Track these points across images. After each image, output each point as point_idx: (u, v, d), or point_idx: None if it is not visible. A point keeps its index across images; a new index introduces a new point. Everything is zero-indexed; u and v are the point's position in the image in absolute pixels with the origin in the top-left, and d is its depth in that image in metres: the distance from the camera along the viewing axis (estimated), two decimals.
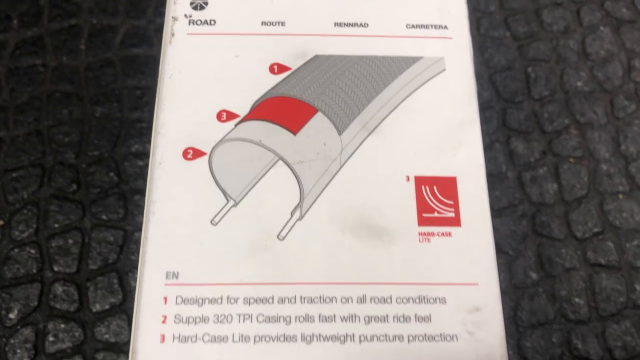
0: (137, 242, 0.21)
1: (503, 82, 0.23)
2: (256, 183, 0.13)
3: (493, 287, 0.13)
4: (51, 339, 0.19)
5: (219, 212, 0.13)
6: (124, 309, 0.20)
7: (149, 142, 0.22)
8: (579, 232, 0.21)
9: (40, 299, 0.20)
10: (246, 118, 0.14)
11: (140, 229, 0.21)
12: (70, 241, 0.21)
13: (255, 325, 0.12)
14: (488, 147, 0.22)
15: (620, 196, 0.22)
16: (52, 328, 0.19)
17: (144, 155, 0.22)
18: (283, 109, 0.14)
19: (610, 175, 0.22)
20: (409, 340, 0.12)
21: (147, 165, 0.21)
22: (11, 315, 0.20)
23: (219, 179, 0.13)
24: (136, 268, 0.20)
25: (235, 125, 0.14)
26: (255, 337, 0.12)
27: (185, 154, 0.14)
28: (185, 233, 0.13)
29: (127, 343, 0.19)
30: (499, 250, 0.21)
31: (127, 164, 0.22)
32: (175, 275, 0.13)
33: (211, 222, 0.13)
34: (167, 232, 0.13)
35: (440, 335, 0.12)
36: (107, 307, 0.20)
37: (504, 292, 0.20)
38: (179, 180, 0.13)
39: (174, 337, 0.12)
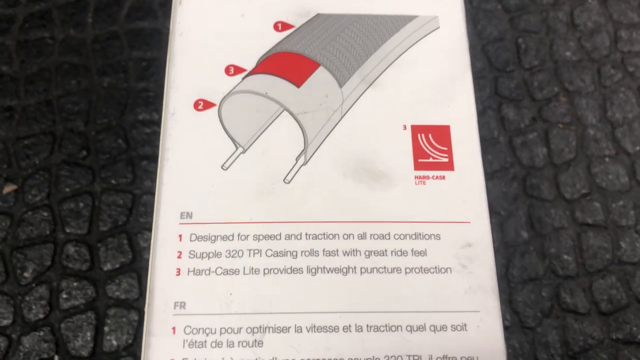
0: (146, 205, 0.21)
1: (495, 52, 0.24)
2: (263, 131, 0.14)
3: (484, 225, 0.14)
4: (64, 296, 0.20)
5: (229, 158, 0.14)
6: (133, 267, 0.21)
7: (155, 110, 0.23)
8: (567, 193, 0.22)
9: (53, 259, 0.21)
10: (253, 72, 0.15)
11: (148, 192, 0.21)
12: (81, 204, 0.21)
13: (264, 259, 0.13)
14: (481, 114, 0.23)
15: (607, 159, 0.23)
16: (65, 286, 0.20)
17: (151, 122, 0.22)
18: (287, 63, 0.15)
19: (597, 139, 0.23)
20: (406, 273, 0.13)
21: (154, 132, 0.22)
22: (26, 274, 0.20)
23: (228, 128, 0.14)
24: (145, 229, 0.21)
25: (243, 79, 0.15)
26: (264, 269, 0.13)
27: (196, 105, 0.15)
28: (198, 177, 0.14)
29: (137, 299, 0.20)
30: (492, 210, 0.22)
31: (135, 131, 0.22)
32: (189, 215, 0.13)
33: (222, 167, 0.14)
34: (181, 176, 0.14)
35: (435, 267, 0.13)
36: (117, 266, 0.21)
37: (496, 250, 0.21)
38: (191, 129, 0.14)
39: (188, 271, 0.13)
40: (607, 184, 0.22)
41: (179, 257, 0.13)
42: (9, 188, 0.21)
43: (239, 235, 0.13)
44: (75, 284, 0.20)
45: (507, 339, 0.20)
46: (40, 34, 0.24)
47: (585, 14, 0.25)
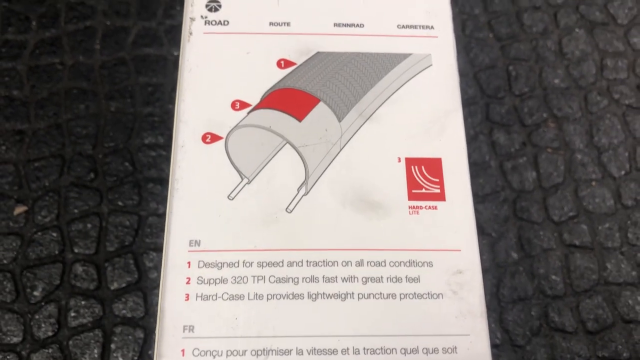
0: (152, 226, 0.22)
1: (487, 79, 0.26)
2: (267, 163, 0.15)
3: (474, 253, 0.15)
4: (73, 314, 0.21)
5: (235, 188, 0.15)
6: (139, 287, 0.21)
7: (161, 134, 0.24)
8: (555, 216, 0.23)
9: (62, 278, 0.21)
10: (257, 107, 0.16)
11: (154, 214, 0.22)
12: (89, 225, 0.22)
13: (267, 285, 0.14)
14: (473, 139, 0.24)
15: (593, 183, 0.24)
16: (74, 304, 0.21)
17: (157, 146, 0.23)
18: (289, 99, 0.16)
19: (584, 164, 0.24)
20: (400, 298, 0.14)
21: (159, 156, 0.23)
22: (36, 293, 0.21)
23: (234, 160, 0.15)
24: (151, 249, 0.22)
25: (248, 113, 0.16)
26: (267, 295, 0.14)
27: (204, 138, 0.15)
28: (206, 206, 0.15)
29: (143, 318, 0.21)
30: (483, 232, 0.23)
31: (141, 154, 0.23)
32: (197, 243, 0.14)
33: (228, 197, 0.15)
34: (190, 206, 0.15)
35: (428, 293, 0.14)
36: (124, 285, 0.21)
37: (487, 271, 0.22)
38: (199, 161, 0.15)
39: (196, 296, 0.14)
40: (594, 206, 0.23)
41: (187, 282, 0.14)
42: (19, 209, 0.22)
43: (244, 262, 0.14)
44: (83, 302, 0.21)
45: (497, 357, 0.21)
46: (51, 59, 0.25)
47: (573, 42, 0.26)
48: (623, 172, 0.24)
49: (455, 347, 0.14)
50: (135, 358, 0.21)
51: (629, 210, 0.23)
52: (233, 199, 0.15)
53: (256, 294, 0.14)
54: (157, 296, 0.21)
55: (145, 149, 0.23)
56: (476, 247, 0.15)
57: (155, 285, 0.22)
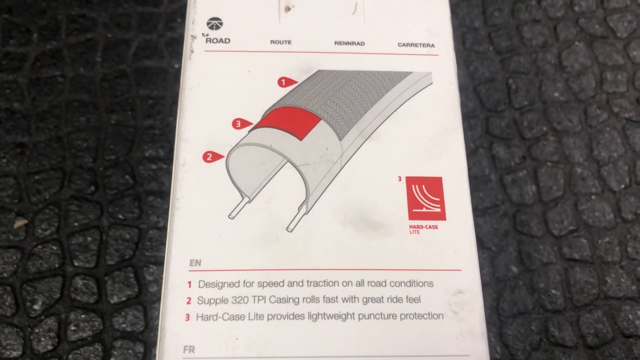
0: (152, 240, 0.22)
1: (486, 92, 0.26)
2: (268, 182, 0.15)
3: (474, 273, 0.15)
4: (72, 328, 0.21)
5: (236, 207, 0.15)
6: (139, 300, 0.21)
7: (162, 147, 0.24)
8: (555, 229, 0.23)
9: (62, 292, 0.21)
10: (258, 125, 0.16)
11: (154, 227, 0.22)
12: (89, 239, 0.22)
13: (268, 305, 0.14)
14: (473, 152, 0.24)
15: (593, 197, 0.24)
16: (74, 318, 0.21)
17: (157, 159, 0.23)
18: (290, 117, 0.16)
19: (584, 178, 0.24)
20: (401, 318, 0.14)
21: (160, 169, 0.23)
22: (36, 307, 0.21)
23: (235, 179, 0.15)
24: (151, 263, 0.22)
25: (249, 132, 0.16)
26: (268, 315, 0.14)
27: (205, 157, 0.15)
28: (206, 226, 0.15)
29: (143, 332, 0.21)
30: (483, 246, 0.23)
31: (142, 167, 0.23)
32: (198, 262, 0.14)
33: (229, 217, 0.15)
34: (190, 225, 0.15)
35: (428, 314, 0.14)
36: (123, 299, 0.21)
37: (487, 285, 0.22)
38: (200, 180, 0.15)
39: (197, 316, 0.14)
40: (594, 220, 0.23)
41: (188, 302, 0.14)
42: (19, 222, 0.22)
43: (244, 282, 0.14)
44: (83, 316, 0.21)
45: None
46: (52, 72, 0.25)
47: (573, 56, 0.26)
48: (623, 186, 0.24)
49: None
50: None
51: (628, 224, 0.23)
52: (234, 218, 0.15)
53: (257, 314, 0.14)
54: (157, 310, 0.21)
55: (145, 162, 0.23)
56: (477, 267, 0.15)
57: (156, 299, 0.22)
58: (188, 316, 0.14)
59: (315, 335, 0.14)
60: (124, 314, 0.21)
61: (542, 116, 0.25)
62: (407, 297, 0.14)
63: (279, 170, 0.15)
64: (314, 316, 0.14)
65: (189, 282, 0.14)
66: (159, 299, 0.21)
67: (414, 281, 0.14)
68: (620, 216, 0.24)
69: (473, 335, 0.14)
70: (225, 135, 0.16)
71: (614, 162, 0.25)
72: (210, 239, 0.15)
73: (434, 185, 0.15)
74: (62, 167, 0.23)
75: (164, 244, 0.22)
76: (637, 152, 0.25)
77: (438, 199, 0.15)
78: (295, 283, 0.14)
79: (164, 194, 0.23)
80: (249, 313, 0.14)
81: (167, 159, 0.24)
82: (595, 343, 0.22)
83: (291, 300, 0.14)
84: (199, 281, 0.14)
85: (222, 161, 0.15)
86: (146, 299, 0.22)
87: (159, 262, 0.22)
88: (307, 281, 0.14)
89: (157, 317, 0.21)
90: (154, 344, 0.21)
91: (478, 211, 0.23)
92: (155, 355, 0.14)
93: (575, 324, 0.22)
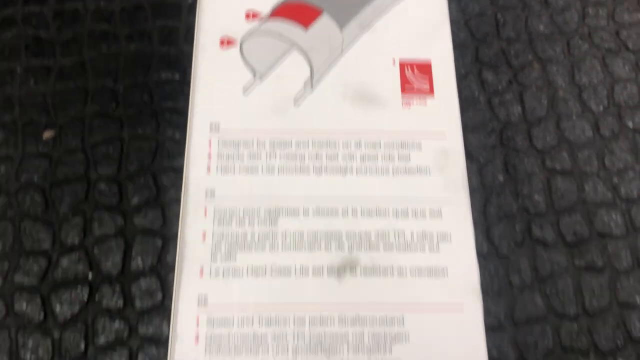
0: (169, 150, 0.24)
1: (476, 25, 0.28)
2: (277, 64, 0.17)
3: (457, 138, 0.17)
4: (97, 224, 0.23)
5: (249, 85, 0.17)
6: (158, 202, 0.23)
7: (176, 70, 0.26)
8: (539, 144, 0.25)
9: (87, 194, 0.24)
10: (268, 17, 0.18)
11: (171, 140, 0.24)
12: (112, 149, 0.24)
13: (278, 160, 0.16)
14: (463, 77, 0.26)
15: (574, 117, 0.26)
16: (97, 216, 0.23)
17: (172, 81, 0.26)
18: (297, 10, 0.18)
19: (565, 100, 0.26)
20: (393, 174, 0.16)
21: (174, 90, 0.25)
22: (63, 207, 0.23)
23: (249, 60, 0.17)
24: (169, 170, 0.24)
25: (260, 23, 0.18)
26: (278, 168, 0.16)
27: (221, 42, 0.18)
28: (223, 100, 0.17)
29: (162, 228, 0.23)
30: (472, 158, 0.25)
31: (158, 89, 0.25)
32: (217, 125, 0.16)
33: (243, 92, 0.17)
34: (210, 99, 0.17)
35: (417, 168, 0.16)
36: (143, 200, 0.23)
37: (475, 191, 0.24)
38: (217, 62, 0.17)
39: (217, 168, 0.16)
40: (574, 137, 0.26)
41: (209, 157, 0.16)
42: (48, 134, 0.24)
43: (257, 141, 0.16)
44: (106, 214, 0.23)
45: (484, 266, 0.23)
46: (74, 4, 0.27)
47: None
48: (601, 108, 0.26)
49: (440, 211, 0.16)
50: (155, 262, 0.23)
51: (606, 140, 0.25)
52: (247, 94, 0.17)
53: (268, 168, 0.16)
54: (177, 210, 0.23)
55: (161, 84, 0.25)
56: (460, 133, 0.17)
57: (174, 199, 0.24)
58: (209, 168, 0.16)
59: (318, 186, 0.16)
60: (144, 213, 0.23)
61: (528, 46, 0.27)
62: (398, 156, 0.16)
63: (286, 56, 0.17)
64: (318, 170, 0.16)
65: (209, 141, 0.16)
66: (176, 200, 0.23)
67: (405, 142, 0.16)
68: (599, 133, 0.26)
69: (455, 186, 0.16)
70: (239, 26, 0.18)
71: (594, 87, 0.27)
72: (227, 110, 0.17)
73: (424, 68, 0.17)
74: (86, 88, 0.25)
75: (180, 154, 0.24)
76: (616, 79, 0.27)
77: (427, 78, 0.17)
78: (301, 144, 0.16)
79: (180, 111, 0.25)
80: (262, 166, 0.16)
81: (183, 82, 0.26)
82: (573, 241, 0.24)
83: (298, 157, 0.16)
84: (218, 140, 0.16)
85: (236, 46, 0.18)
86: (164, 201, 0.24)
87: (177, 170, 0.24)
88: (312, 142, 0.16)
89: (177, 215, 0.23)
90: (173, 237, 0.23)
91: (468, 128, 0.25)
92: (180, 203, 0.16)
93: (555, 225, 0.24)
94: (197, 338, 0.14)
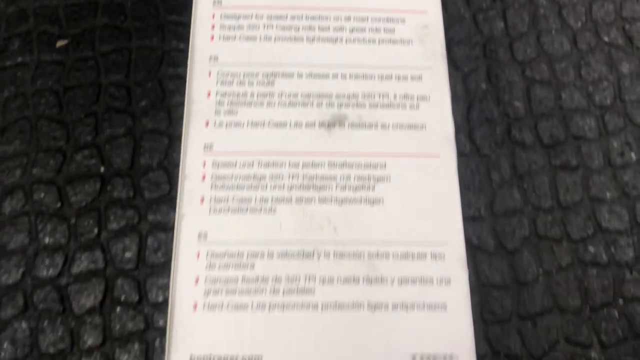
0: (173, 58, 0.26)
1: None
2: None
3: (437, 13, 0.18)
4: (106, 125, 0.25)
5: None
6: (164, 105, 0.25)
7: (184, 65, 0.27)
8: (519, 56, 0.27)
9: (98, 98, 0.25)
10: None
11: (175, 49, 0.26)
12: (120, 57, 0.26)
13: (275, 31, 0.18)
14: None
15: (553, 32, 0.28)
16: (108, 117, 0.25)
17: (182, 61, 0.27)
18: None
19: (546, 17, 0.28)
20: (379, 43, 0.18)
21: (178, 4, 0.27)
22: (76, 111, 0.25)
23: None
24: (174, 77, 0.26)
25: None
26: (275, 37, 0.18)
27: None
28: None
29: (167, 129, 0.25)
30: (457, 67, 0.27)
31: (165, 3, 0.27)
32: (219, 1, 0.18)
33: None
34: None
35: (401, 40, 0.18)
36: (150, 104, 0.25)
37: (457, 97, 0.26)
38: None
39: (219, 37, 0.18)
40: (553, 50, 0.27)
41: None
42: (61, 42, 0.26)
43: (256, 14, 0.18)
44: (116, 116, 0.25)
45: (467, 164, 0.25)
46: None
47: None
48: (579, 24, 0.28)
49: (421, 76, 0.17)
50: (162, 159, 0.24)
51: (583, 53, 0.27)
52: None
53: (266, 37, 0.18)
54: (182, 113, 0.25)
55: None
56: (439, 11, 0.19)
57: (179, 103, 0.25)
58: (212, 37, 0.18)
59: (311, 55, 0.18)
60: (152, 114, 0.25)
61: None
62: (384, 29, 0.18)
63: None
64: (311, 39, 0.18)
65: (213, 14, 0.18)
66: (181, 104, 0.25)
67: (391, 17, 0.18)
68: (576, 47, 0.27)
69: (435, 54, 0.18)
70: None
71: (573, 5, 0.28)
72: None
73: None
74: (96, 1, 0.27)
75: (184, 62, 0.26)
76: None
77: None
78: (296, 17, 0.18)
79: (184, 24, 0.27)
80: (260, 36, 0.18)
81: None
82: (549, 143, 0.26)
83: (293, 28, 0.18)
84: (221, 13, 0.18)
85: None
86: (170, 105, 0.25)
87: (181, 77, 0.26)
88: (306, 16, 0.18)
89: (182, 118, 0.25)
90: (178, 137, 0.25)
91: (454, 41, 0.27)
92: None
93: (533, 129, 0.26)
94: (204, 176, 0.16)
